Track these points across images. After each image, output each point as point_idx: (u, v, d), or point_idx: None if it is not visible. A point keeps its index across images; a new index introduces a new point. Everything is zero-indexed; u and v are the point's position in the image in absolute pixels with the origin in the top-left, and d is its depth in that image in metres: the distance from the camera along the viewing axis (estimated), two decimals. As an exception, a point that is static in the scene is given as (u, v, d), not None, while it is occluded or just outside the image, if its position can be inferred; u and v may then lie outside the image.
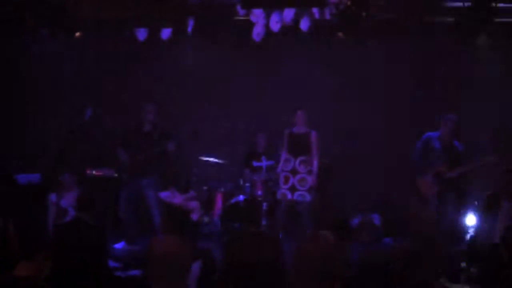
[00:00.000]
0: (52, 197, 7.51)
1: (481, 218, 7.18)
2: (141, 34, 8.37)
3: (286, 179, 8.37)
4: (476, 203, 7.75)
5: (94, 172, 8.83)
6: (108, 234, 8.04)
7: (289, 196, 8.32)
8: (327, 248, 4.67)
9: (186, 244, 5.75)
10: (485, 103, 8.97)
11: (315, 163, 8.33)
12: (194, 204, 8.04)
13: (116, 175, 8.66)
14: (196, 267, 5.91)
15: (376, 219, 8.39)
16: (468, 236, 7.30)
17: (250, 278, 4.94)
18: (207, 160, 9.28)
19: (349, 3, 7.24)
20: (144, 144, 8.18)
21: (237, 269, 5.01)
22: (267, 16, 7.98)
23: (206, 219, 8.84)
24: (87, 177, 8.63)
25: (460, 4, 7.83)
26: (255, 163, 8.97)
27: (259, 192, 8.80)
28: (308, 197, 8.30)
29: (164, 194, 7.96)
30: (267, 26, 8.01)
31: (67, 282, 5.29)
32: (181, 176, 8.47)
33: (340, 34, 8.39)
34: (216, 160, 9.31)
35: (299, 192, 8.29)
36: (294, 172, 8.34)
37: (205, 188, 9.09)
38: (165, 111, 8.93)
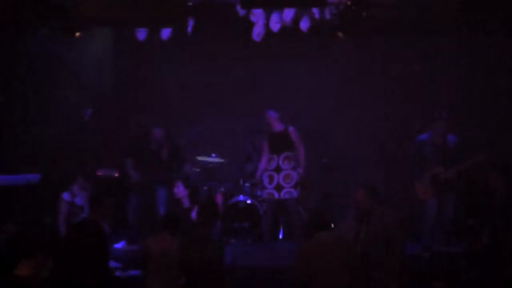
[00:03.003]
0: (65, 195, 7.62)
1: None
2: (141, 34, 8.37)
3: (271, 178, 8.36)
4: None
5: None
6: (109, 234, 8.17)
7: (276, 195, 8.32)
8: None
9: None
10: (484, 103, 8.98)
11: (302, 157, 8.31)
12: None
13: (116, 175, 8.68)
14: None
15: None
16: (468, 236, 7.30)
17: (194, 276, 5.25)
18: (207, 160, 9.27)
19: (349, 3, 7.23)
20: (152, 161, 8.44)
21: (185, 268, 5.34)
22: (267, 16, 7.98)
23: None
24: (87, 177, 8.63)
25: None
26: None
27: (259, 193, 8.80)
28: (295, 193, 8.29)
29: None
30: (267, 26, 8.01)
31: (69, 281, 5.33)
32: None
33: (340, 34, 8.38)
34: (216, 160, 9.30)
35: (286, 190, 8.28)
36: (278, 169, 8.32)
37: (205, 188, 9.07)
38: (165, 111, 8.92)
